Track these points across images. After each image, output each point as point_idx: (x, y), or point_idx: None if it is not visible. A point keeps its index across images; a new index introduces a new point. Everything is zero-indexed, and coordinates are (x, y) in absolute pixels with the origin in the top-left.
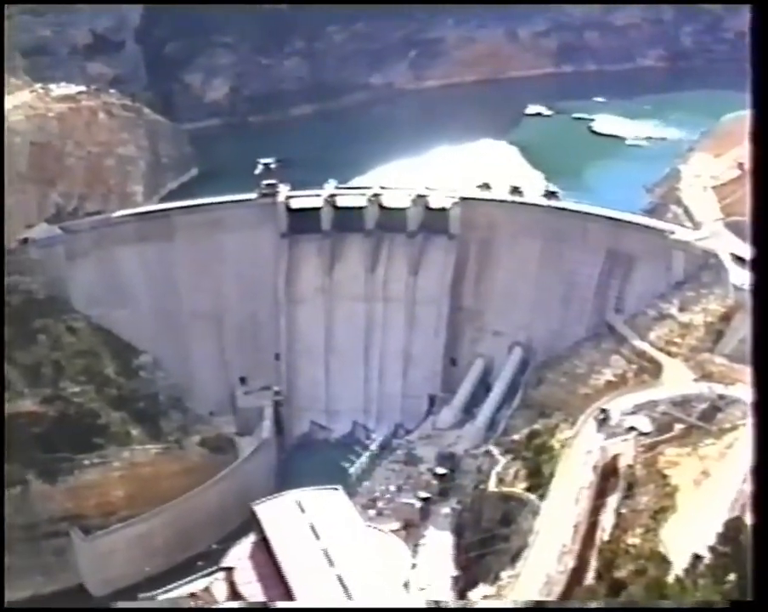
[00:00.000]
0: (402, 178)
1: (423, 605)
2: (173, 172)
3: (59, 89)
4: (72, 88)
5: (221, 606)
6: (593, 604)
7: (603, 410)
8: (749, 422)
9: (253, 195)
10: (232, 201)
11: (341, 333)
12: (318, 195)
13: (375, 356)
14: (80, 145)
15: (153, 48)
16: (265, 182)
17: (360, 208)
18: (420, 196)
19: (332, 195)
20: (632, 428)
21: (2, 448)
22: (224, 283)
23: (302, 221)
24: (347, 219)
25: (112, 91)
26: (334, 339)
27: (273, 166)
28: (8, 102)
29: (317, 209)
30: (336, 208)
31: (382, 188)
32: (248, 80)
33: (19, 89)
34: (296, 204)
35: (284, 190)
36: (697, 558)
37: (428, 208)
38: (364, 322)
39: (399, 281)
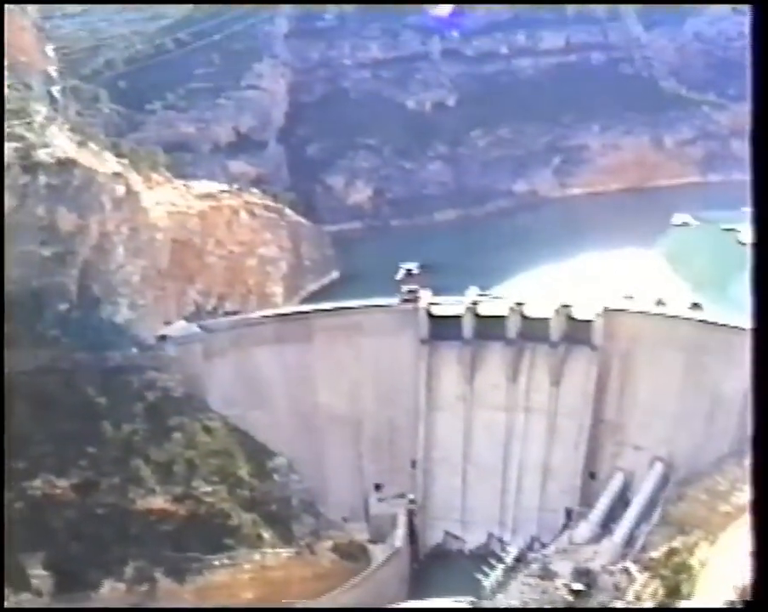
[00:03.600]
0: (545, 287)
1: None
2: (314, 273)
3: (201, 186)
4: (214, 186)
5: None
6: None
7: None
8: None
9: (394, 301)
10: (373, 306)
11: (479, 443)
12: (459, 302)
13: (514, 467)
14: (221, 244)
15: (296, 148)
16: (406, 287)
17: (502, 317)
18: (563, 306)
19: (474, 303)
20: None
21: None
22: (362, 387)
23: (442, 328)
24: (489, 327)
25: (254, 190)
26: (472, 448)
27: (414, 271)
28: (151, 198)
29: (458, 316)
30: (478, 316)
31: (525, 296)
32: (391, 183)
33: (160, 185)
34: (437, 311)
35: (425, 296)
36: None
37: (571, 318)
38: (503, 432)
39: (541, 392)
